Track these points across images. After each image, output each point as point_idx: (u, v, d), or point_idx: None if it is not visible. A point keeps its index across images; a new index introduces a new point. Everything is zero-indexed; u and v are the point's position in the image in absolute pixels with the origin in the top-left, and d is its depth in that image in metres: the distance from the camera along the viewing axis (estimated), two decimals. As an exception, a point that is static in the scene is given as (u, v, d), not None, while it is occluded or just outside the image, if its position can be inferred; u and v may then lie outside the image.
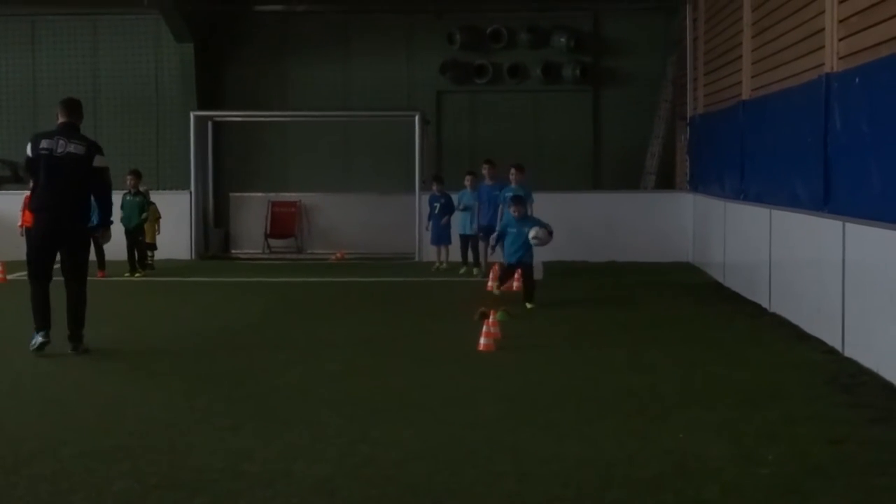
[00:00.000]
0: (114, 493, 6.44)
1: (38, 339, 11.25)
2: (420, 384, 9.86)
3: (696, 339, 12.51)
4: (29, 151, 11.43)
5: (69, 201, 11.32)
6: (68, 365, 10.97)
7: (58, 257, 11.44)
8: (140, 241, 20.26)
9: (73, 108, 11.64)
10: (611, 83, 25.24)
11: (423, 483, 6.65)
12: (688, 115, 22.69)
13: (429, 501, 6.27)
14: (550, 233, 14.92)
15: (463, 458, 7.21)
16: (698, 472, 6.87)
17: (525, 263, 15.11)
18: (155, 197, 21.15)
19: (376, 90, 25.16)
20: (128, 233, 19.90)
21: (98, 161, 11.45)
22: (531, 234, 14.64)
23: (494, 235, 16.43)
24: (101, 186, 11.59)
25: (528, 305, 14.70)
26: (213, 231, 24.64)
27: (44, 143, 11.30)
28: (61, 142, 11.28)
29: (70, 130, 11.48)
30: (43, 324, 11.29)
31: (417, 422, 8.30)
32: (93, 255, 12.91)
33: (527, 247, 14.94)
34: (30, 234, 11.85)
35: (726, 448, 7.44)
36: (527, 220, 15.25)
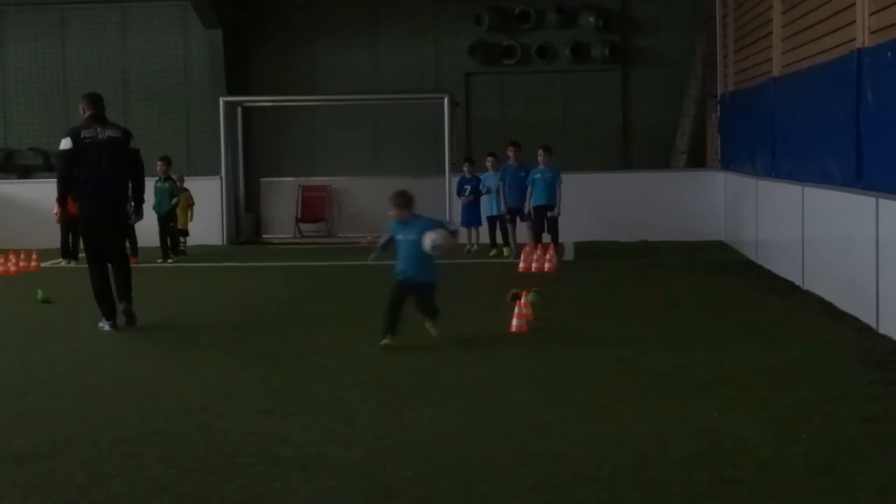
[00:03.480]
0: (150, 478, 6.48)
1: (107, 327, 11.93)
2: (453, 366, 9.88)
3: (729, 317, 12.47)
4: (69, 143, 11.85)
5: (114, 184, 12.06)
6: (103, 350, 11.05)
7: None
8: (172, 227, 20.38)
9: (98, 100, 12.25)
10: (640, 62, 25.07)
11: (458, 464, 6.66)
12: (718, 93, 22.59)
13: (463, 483, 6.27)
14: (453, 232, 11.56)
15: (497, 439, 7.22)
16: (732, 451, 6.85)
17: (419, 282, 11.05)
18: (186, 183, 21.22)
19: (405, 73, 25.12)
20: (159, 219, 20.05)
21: (132, 143, 12.28)
22: (427, 242, 10.66)
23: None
24: (137, 168, 12.38)
25: (432, 330, 11.14)
26: (245, 216, 24.72)
27: (85, 133, 11.90)
28: (99, 129, 11.96)
29: (102, 119, 12.15)
30: (111, 312, 11.97)
31: (450, 404, 8.31)
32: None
33: (421, 260, 10.95)
34: (81, 220, 12.31)
35: (760, 427, 7.41)
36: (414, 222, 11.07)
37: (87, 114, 12.05)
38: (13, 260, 18.55)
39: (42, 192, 21.78)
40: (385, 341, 10.65)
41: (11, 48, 26.23)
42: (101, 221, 12.06)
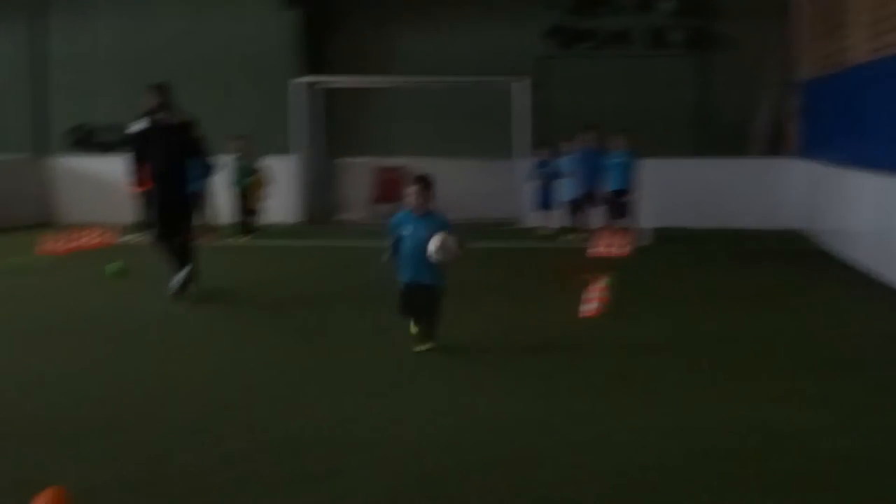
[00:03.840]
0: (223, 453, 6.56)
1: (177, 283, 12.75)
2: (523, 350, 9.87)
3: (805, 307, 12.38)
4: (141, 126, 12.84)
5: (181, 166, 12.82)
6: (179, 326, 11.20)
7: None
8: (246, 205, 20.58)
9: (166, 89, 13.10)
10: (717, 48, 24.77)
11: (519, 452, 6.67)
12: (798, 80, 22.30)
13: (526, 472, 6.28)
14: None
15: (566, 429, 7.22)
16: (786, 441, 6.81)
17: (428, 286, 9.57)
18: (260, 163, 21.37)
19: (481, 56, 25.02)
20: (235, 197, 20.26)
21: (196, 131, 13.07)
22: (436, 243, 9.18)
23: None
24: (202, 152, 13.14)
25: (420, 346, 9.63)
26: (321, 196, 24.85)
27: (156, 117, 12.82)
28: (167, 115, 12.86)
29: (168, 107, 12.98)
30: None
31: (519, 389, 8.32)
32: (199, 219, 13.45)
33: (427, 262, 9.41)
34: (152, 199, 12.96)
35: (819, 418, 7.38)
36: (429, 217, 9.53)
37: (156, 102, 12.86)
38: (93, 235, 18.86)
39: (122, 168, 22.05)
40: (427, 346, 9.52)
41: (94, 26, 26.52)
42: (168, 202, 12.83)
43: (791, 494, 5.79)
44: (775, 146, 23.75)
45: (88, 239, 18.76)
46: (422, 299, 9.43)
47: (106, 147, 26.18)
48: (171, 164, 12.75)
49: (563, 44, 24.96)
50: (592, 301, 11.58)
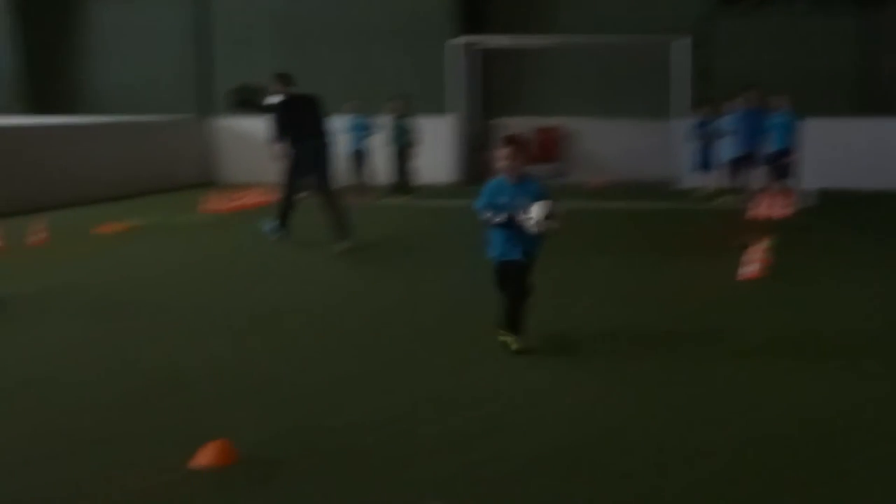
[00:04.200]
0: (382, 407, 6.65)
1: (277, 233, 14.33)
2: (680, 315, 9.74)
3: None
4: (280, 98, 14.45)
5: (322, 132, 14.36)
6: (335, 283, 11.38)
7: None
8: (405, 165, 20.76)
9: (290, 77, 14.78)
10: (882, 6, 24.03)
11: (681, 417, 6.61)
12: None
13: (688, 437, 6.23)
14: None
15: (723, 396, 7.13)
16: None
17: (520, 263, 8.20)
18: (421, 122, 21.46)
19: (640, 15, 24.71)
20: (393, 155, 20.49)
21: (322, 103, 14.60)
22: (538, 212, 7.84)
23: None
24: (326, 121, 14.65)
25: (504, 338, 8.23)
26: (477, 156, 24.88)
27: (292, 91, 14.56)
28: (300, 92, 14.67)
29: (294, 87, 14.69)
30: (284, 224, 14.39)
31: (678, 356, 8.23)
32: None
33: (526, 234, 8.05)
34: (292, 159, 14.28)
35: None
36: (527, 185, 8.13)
37: (281, 86, 14.59)
38: (253, 194, 19.24)
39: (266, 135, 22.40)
40: (513, 343, 8.09)
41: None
42: (308, 161, 14.12)
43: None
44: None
45: (250, 198, 19.15)
46: (512, 277, 8.08)
47: (265, 108, 26.61)
48: (313, 129, 14.28)
49: (725, 3, 24.49)
50: (753, 263, 11.39)
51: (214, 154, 24.71)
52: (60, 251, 13.58)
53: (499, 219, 7.95)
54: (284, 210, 14.46)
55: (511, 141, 8.08)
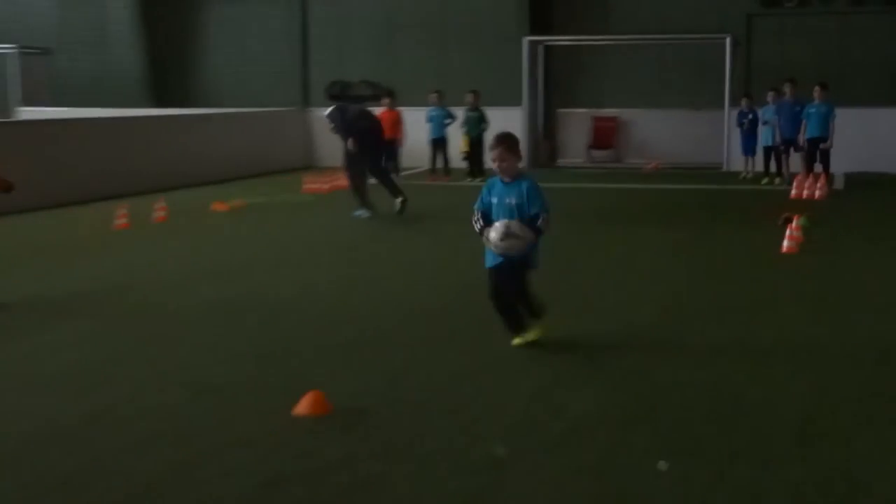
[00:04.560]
0: (453, 368, 6.67)
1: (365, 214, 14.52)
2: (725, 282, 9.68)
3: None
4: (334, 112, 15.40)
5: (371, 130, 15.45)
6: (421, 257, 11.41)
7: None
8: (480, 151, 20.72)
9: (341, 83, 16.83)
10: (916, 4, 23.54)
11: (727, 370, 6.55)
12: None
13: (733, 387, 6.17)
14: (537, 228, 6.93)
15: (764, 351, 7.06)
16: None
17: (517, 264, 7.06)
18: (489, 113, 21.34)
19: (690, 14, 24.43)
20: (470, 143, 20.48)
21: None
22: (500, 230, 6.83)
23: None
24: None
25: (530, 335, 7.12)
26: (543, 143, 24.83)
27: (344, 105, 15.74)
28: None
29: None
30: (366, 204, 14.67)
31: (723, 317, 8.17)
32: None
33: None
34: (355, 149, 14.88)
35: None
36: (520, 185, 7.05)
37: (339, 90, 16.35)
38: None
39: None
40: (517, 340, 7.09)
41: (348, -6, 27.08)
42: (367, 150, 14.96)
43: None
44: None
45: (343, 180, 19.15)
46: (506, 281, 7.02)
47: (358, 100, 26.70)
48: (366, 127, 15.28)
49: (768, 2, 24.14)
50: (792, 239, 11.25)
51: (313, 141, 24.85)
52: (179, 227, 13.76)
53: (477, 227, 6.96)
54: (361, 193, 14.80)
55: (502, 140, 7.06)
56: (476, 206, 7.07)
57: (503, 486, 4.62)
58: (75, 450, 5.11)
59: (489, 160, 7.59)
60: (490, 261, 7.03)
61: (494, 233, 6.81)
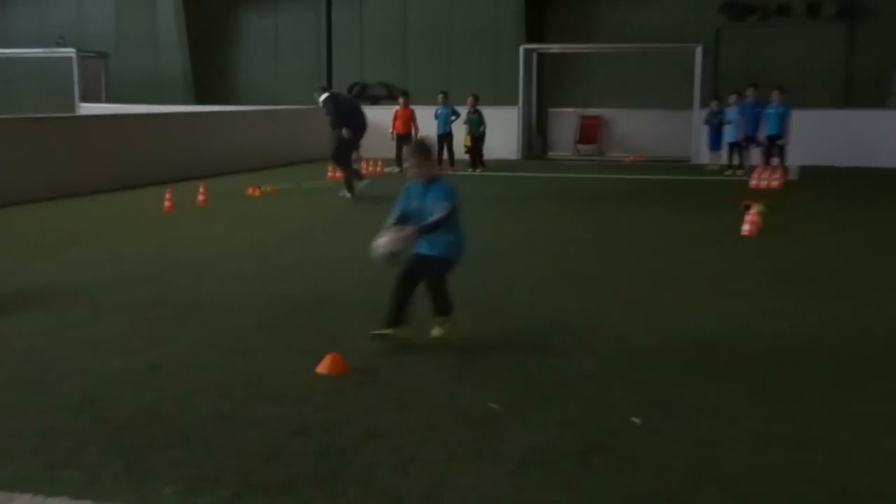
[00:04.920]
0: (456, 335, 6.68)
1: (363, 183, 14.95)
2: (693, 260, 9.69)
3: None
4: (328, 101, 15.08)
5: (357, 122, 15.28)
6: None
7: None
8: (479, 147, 20.68)
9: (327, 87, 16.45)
10: (864, 18, 23.41)
11: (695, 335, 6.56)
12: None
13: (699, 350, 6.18)
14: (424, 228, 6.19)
15: (727, 319, 7.07)
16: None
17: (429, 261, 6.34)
18: (489, 112, 21.28)
19: (666, 26, 24.34)
20: (472, 139, 20.46)
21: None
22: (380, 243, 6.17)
23: None
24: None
25: (436, 332, 6.41)
26: (535, 138, 24.81)
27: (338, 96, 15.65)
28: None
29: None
30: (351, 188, 14.97)
31: (692, 289, 8.17)
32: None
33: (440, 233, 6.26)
34: (347, 138, 15.01)
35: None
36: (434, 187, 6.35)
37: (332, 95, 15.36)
38: (364, 166, 19.31)
39: (385, 117, 22.46)
40: (385, 331, 6.23)
41: (366, 8, 26.94)
42: (355, 140, 15.23)
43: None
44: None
45: (363, 169, 19.17)
46: (421, 274, 6.35)
47: (374, 100, 26.70)
48: (357, 121, 15.11)
49: (734, 16, 24.08)
50: (751, 223, 11.24)
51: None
52: (218, 209, 13.76)
53: (393, 220, 6.27)
54: (355, 174, 15.17)
55: (418, 151, 6.42)
56: (397, 207, 6.34)
57: (500, 435, 4.64)
58: (130, 400, 5.14)
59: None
60: (419, 248, 6.25)
61: (380, 241, 6.12)
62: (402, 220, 6.28)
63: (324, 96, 15.19)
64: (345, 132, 14.84)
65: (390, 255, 6.13)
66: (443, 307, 6.43)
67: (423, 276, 6.32)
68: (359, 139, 15.47)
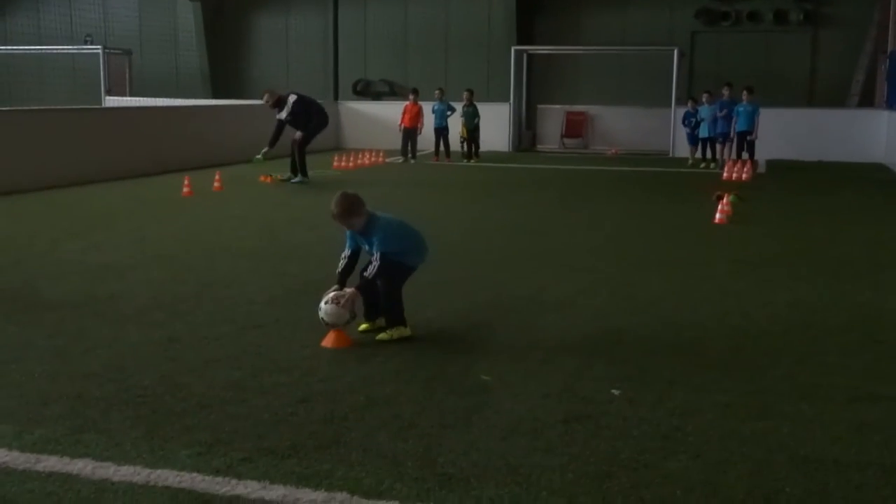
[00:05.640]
0: (451, 309, 6.65)
1: (297, 179, 15.12)
2: (669, 245, 9.67)
3: (885, 219, 11.71)
4: (298, 102, 15.06)
5: (317, 119, 15.44)
6: (444, 207, 11.37)
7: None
8: (475, 137, 20.61)
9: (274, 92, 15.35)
10: (827, 25, 23.40)
11: (670, 315, 6.56)
12: (888, 50, 20.86)
13: (673, 329, 6.19)
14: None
15: (699, 300, 7.07)
16: (880, 320, 6.47)
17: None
18: (482, 107, 21.20)
19: (645, 30, 24.30)
20: (467, 132, 20.39)
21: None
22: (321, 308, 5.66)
23: None
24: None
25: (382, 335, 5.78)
26: (525, 132, 24.75)
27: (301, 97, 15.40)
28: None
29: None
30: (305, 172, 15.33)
31: (668, 272, 8.17)
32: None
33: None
34: (310, 133, 15.27)
35: (905, 304, 6.98)
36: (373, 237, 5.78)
37: (279, 95, 15.07)
38: (366, 156, 19.27)
39: (387, 111, 22.43)
40: (364, 326, 5.90)
41: (369, 10, 26.84)
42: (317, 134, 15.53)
43: (878, 351, 5.55)
44: (867, 100, 22.43)
45: (366, 158, 19.19)
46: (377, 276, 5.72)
47: (376, 95, 26.63)
48: (318, 119, 15.34)
49: (707, 22, 24.03)
50: (723, 212, 11.23)
51: (342, 127, 24.73)
52: (233, 194, 13.72)
53: (345, 260, 5.90)
54: (304, 164, 15.31)
55: (338, 215, 5.74)
56: (344, 254, 5.91)
57: (490, 404, 4.63)
58: (150, 370, 5.13)
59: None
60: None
61: (323, 306, 5.61)
62: (354, 255, 5.85)
63: (293, 98, 15.09)
64: (297, 136, 15.08)
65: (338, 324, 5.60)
66: (391, 317, 5.77)
67: (377, 277, 5.68)
68: (315, 134, 15.61)
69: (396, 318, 5.79)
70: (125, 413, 4.44)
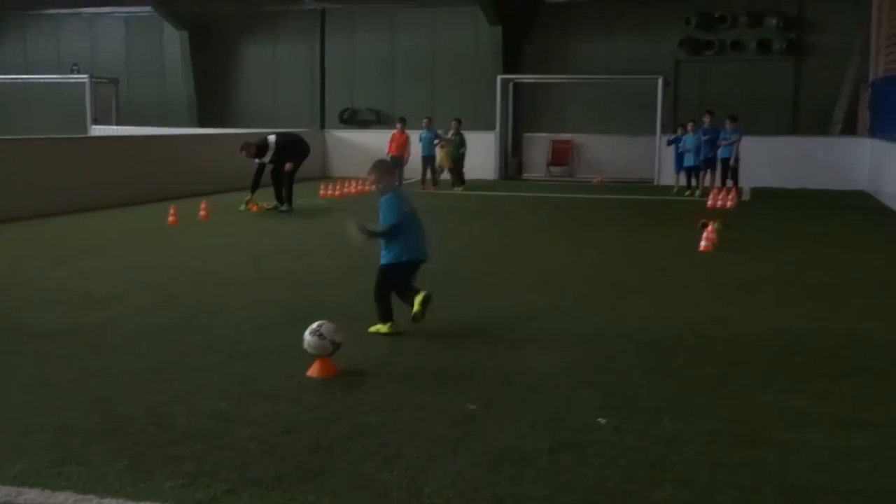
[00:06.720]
0: (439, 337, 6.63)
1: (285, 209, 15.13)
2: (655, 271, 9.69)
3: (869, 245, 11.77)
4: (282, 138, 15.35)
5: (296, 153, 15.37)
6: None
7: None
8: (460, 167, 20.66)
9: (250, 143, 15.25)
10: (810, 54, 23.63)
11: (657, 341, 6.55)
12: (870, 78, 21.08)
13: (660, 355, 6.17)
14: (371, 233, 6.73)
15: (686, 326, 7.07)
16: (867, 346, 6.49)
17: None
18: (469, 135, 21.27)
19: (630, 59, 24.47)
20: (452, 161, 20.44)
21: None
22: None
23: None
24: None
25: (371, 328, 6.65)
26: (511, 160, 24.82)
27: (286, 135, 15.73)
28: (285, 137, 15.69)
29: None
30: (290, 202, 15.29)
31: (654, 299, 8.17)
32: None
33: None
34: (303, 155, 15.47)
35: (892, 329, 6.99)
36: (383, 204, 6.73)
37: (257, 144, 14.96)
38: (352, 185, 19.29)
39: (374, 139, 22.47)
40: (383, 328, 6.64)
41: (355, 39, 26.97)
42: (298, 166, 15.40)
43: (863, 378, 5.55)
44: (850, 128, 22.63)
45: (352, 187, 19.19)
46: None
47: (364, 124, 26.70)
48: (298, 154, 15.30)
49: (692, 51, 24.23)
50: (708, 239, 11.27)
51: (328, 155, 24.76)
52: (219, 223, 13.69)
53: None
54: (290, 193, 15.26)
55: (378, 166, 6.78)
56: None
57: (476, 433, 4.60)
58: (134, 400, 5.08)
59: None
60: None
61: (308, 334, 5.68)
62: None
63: (273, 137, 15.18)
64: (287, 167, 15.04)
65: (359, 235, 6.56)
66: (380, 312, 6.65)
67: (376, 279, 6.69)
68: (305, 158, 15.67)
69: (381, 315, 6.63)
70: (109, 444, 4.39)
